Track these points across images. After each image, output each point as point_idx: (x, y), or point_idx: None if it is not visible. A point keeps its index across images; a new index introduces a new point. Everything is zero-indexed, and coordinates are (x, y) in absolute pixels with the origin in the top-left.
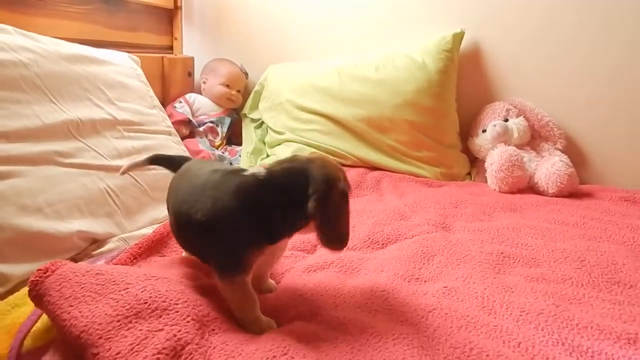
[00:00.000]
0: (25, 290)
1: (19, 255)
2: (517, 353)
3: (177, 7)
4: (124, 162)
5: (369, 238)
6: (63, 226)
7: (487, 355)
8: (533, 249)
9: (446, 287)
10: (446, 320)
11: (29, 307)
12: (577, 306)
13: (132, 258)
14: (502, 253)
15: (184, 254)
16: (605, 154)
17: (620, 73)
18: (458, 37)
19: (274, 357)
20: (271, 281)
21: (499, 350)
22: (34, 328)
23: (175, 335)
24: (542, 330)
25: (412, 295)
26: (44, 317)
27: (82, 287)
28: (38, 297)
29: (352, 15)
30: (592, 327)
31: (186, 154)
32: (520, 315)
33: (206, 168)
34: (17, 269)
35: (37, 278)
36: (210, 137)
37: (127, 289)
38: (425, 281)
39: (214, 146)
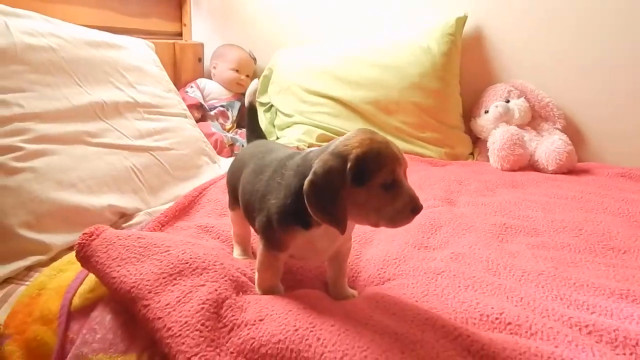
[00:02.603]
0: (68, 257)
1: (58, 226)
2: (519, 306)
3: None
4: (146, 143)
5: None
6: (95, 200)
7: (492, 308)
8: (534, 220)
9: (453, 253)
10: (454, 281)
11: (73, 272)
12: (575, 268)
13: (160, 226)
14: (504, 224)
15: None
16: (602, 134)
17: (619, 57)
18: (461, 21)
19: (304, 308)
20: (352, 290)
21: (502, 304)
22: (80, 289)
23: (216, 290)
24: (542, 287)
25: (422, 261)
26: (88, 279)
27: (126, 249)
28: (85, 258)
29: (358, 1)
30: (588, 285)
31: (201, 135)
32: (522, 276)
33: (280, 151)
34: (57, 239)
35: (83, 241)
36: (221, 120)
37: (168, 251)
38: (434, 249)
39: (225, 129)
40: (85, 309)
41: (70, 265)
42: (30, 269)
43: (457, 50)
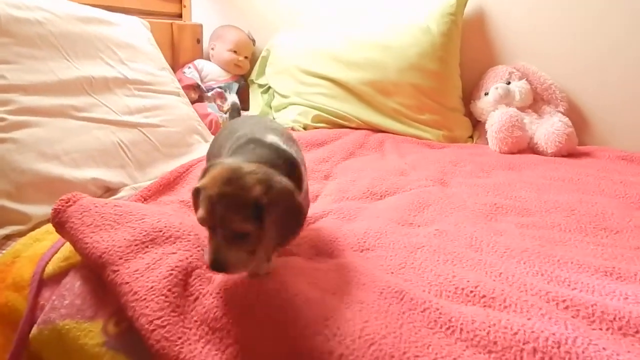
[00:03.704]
0: (46, 227)
1: (39, 197)
2: (497, 281)
3: None
4: (135, 119)
5: (368, 190)
6: (79, 173)
7: (468, 281)
8: (526, 200)
9: (438, 229)
10: (433, 255)
11: (49, 241)
12: (562, 247)
13: (143, 199)
14: (495, 204)
15: None
16: (607, 117)
17: (623, 37)
18: (462, 1)
19: (283, 282)
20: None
21: (479, 279)
22: (54, 257)
23: (187, 258)
24: (524, 264)
25: (404, 236)
26: (63, 248)
27: (102, 217)
28: (60, 223)
29: None
30: (572, 263)
31: (194, 114)
32: (505, 252)
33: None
34: (37, 210)
35: (59, 207)
36: (218, 102)
37: (143, 219)
38: (418, 226)
39: (222, 111)
40: (58, 276)
41: (47, 235)
42: (8, 238)
43: (457, 31)
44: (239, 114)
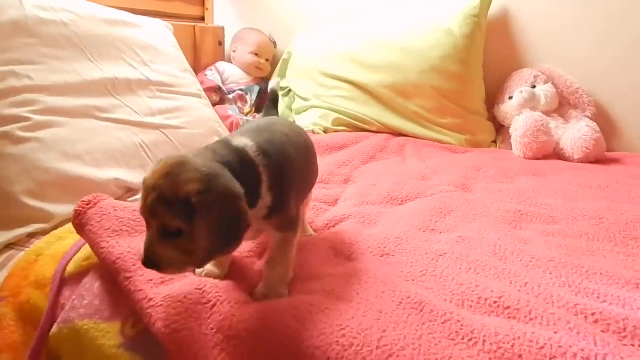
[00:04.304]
0: (68, 225)
1: (62, 197)
2: (522, 292)
3: None
4: (157, 120)
5: (389, 195)
6: (101, 173)
7: (492, 291)
8: (552, 208)
9: (460, 236)
10: (456, 263)
11: (72, 240)
12: (590, 257)
13: None
14: (520, 211)
15: None
16: (636, 123)
17: None
18: (486, 2)
19: (297, 292)
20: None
21: (503, 289)
22: (75, 257)
23: None
24: (551, 274)
25: (426, 242)
26: (84, 248)
27: (120, 221)
28: (80, 225)
29: None
30: (601, 274)
31: (215, 116)
32: (531, 262)
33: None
34: (60, 209)
35: (80, 208)
36: (239, 104)
37: None
38: (440, 232)
39: (243, 113)
40: (79, 275)
41: (69, 234)
42: (32, 236)
43: (481, 33)
44: (276, 106)
